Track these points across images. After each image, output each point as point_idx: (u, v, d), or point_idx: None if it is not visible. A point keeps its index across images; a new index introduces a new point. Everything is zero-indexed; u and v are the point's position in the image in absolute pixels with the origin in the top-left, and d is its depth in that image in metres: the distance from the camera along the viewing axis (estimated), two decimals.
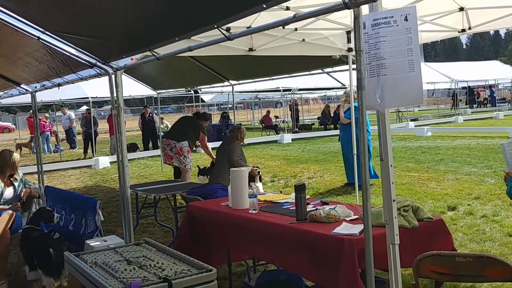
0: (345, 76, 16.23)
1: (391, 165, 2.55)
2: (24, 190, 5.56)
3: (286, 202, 4.15)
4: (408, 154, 12.46)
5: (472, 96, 34.64)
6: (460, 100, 32.34)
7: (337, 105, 28.02)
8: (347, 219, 3.38)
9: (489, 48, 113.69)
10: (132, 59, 5.33)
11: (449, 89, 35.07)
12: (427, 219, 3.21)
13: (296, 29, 5.57)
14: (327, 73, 14.55)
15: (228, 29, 3.14)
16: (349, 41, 6.50)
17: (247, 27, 4.65)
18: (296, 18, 2.66)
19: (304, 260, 3.20)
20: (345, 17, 5.58)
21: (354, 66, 7.18)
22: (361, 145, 2.41)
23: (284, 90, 22.27)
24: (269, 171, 11.28)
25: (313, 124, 27.43)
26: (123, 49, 4.38)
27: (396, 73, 2.52)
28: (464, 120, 23.57)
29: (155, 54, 4.03)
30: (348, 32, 6.39)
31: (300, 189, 3.52)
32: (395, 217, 2.53)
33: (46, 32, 4.62)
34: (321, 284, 3.18)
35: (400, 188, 8.18)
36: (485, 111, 29.82)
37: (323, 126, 24.82)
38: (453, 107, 30.68)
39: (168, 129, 20.62)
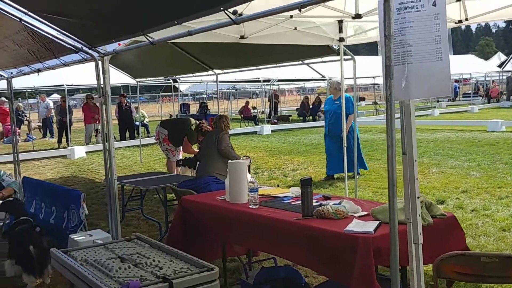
0: (324, 68, 16.11)
1: (415, 160, 2.40)
2: None
3: (286, 197, 3.99)
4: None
5: None
6: None
7: (316, 96, 27.99)
8: (356, 215, 3.23)
9: (460, 43, 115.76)
10: (119, 44, 5.06)
11: None
12: (440, 215, 3.09)
13: (291, 16, 5.37)
14: (307, 64, 14.42)
15: (235, 12, 2.93)
16: (340, 30, 6.36)
17: (239, 14, 4.44)
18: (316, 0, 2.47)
19: (314, 257, 3.04)
20: (340, 3, 5.42)
21: (346, 56, 7.03)
22: (389, 138, 2.25)
23: (263, 81, 22.02)
24: (252, 163, 11.10)
25: (290, 115, 27.29)
26: (114, 33, 4.12)
27: (423, 62, 2.36)
28: (440, 113, 23.81)
29: (149, 38, 3.78)
30: (340, 22, 6.24)
31: (306, 183, 3.34)
32: (419, 215, 2.38)
33: (29, 13, 4.31)
34: (335, 279, 3.02)
35: (386, 181, 8.10)
36: (459, 105, 30.23)
37: (301, 118, 24.72)
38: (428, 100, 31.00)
39: (145, 118, 20.29)
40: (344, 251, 2.83)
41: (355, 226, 2.95)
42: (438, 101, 28.83)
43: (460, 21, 5.59)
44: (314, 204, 3.48)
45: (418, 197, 2.39)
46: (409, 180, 2.40)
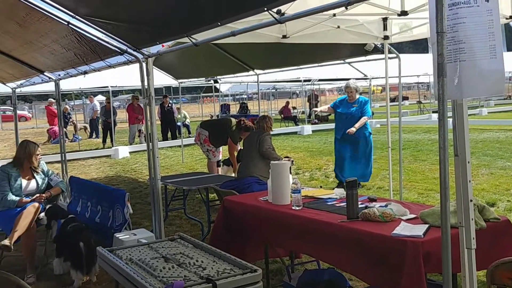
0: (366, 67, 15.82)
1: (468, 162, 2.30)
2: (43, 195, 5.29)
3: (329, 198, 3.92)
4: (436, 147, 12.11)
5: None
6: None
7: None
8: (404, 218, 3.14)
9: (507, 39, 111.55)
10: (163, 45, 5.11)
11: None
12: (494, 219, 2.96)
13: (334, 15, 5.29)
14: (349, 63, 14.20)
15: (279, 12, 2.90)
16: (385, 28, 6.22)
17: (282, 14, 4.39)
18: None
19: (359, 260, 2.96)
20: (385, 0, 5.29)
21: (390, 55, 6.86)
22: (441, 139, 2.16)
23: (304, 81, 21.91)
24: (293, 164, 11.03)
25: (329, 114, 26.90)
26: (159, 35, 4.16)
27: (476, 59, 2.26)
28: (488, 113, 23.03)
29: (192, 40, 3.80)
30: (385, 19, 6.11)
31: (351, 185, 3.27)
32: (472, 219, 2.28)
33: (76, 16, 4.42)
34: (381, 285, 2.94)
35: (433, 182, 7.90)
36: (509, 104, 29.15)
37: None
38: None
39: (186, 119, 20.52)
40: (392, 255, 2.74)
41: (403, 229, 2.85)
42: (486, 100, 27.95)
43: (511, 17, 5.36)
44: (359, 206, 3.40)
45: (471, 200, 2.29)
46: (462, 183, 2.30)
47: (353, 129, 7.63)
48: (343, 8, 5.19)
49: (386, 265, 2.78)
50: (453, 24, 2.29)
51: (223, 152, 8.90)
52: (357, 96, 8.02)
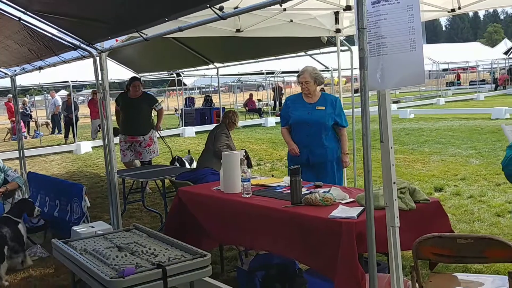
0: (328, 59, 16.13)
1: (391, 147, 2.50)
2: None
3: (278, 186, 4.10)
4: (392, 136, 12.49)
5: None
6: None
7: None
8: (343, 202, 3.34)
9: (468, 30, 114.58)
10: (117, 40, 5.18)
11: (429, 71, 35.18)
12: (424, 200, 3.19)
13: (285, 9, 5.46)
14: (311, 55, 14.44)
15: (221, 8, 3.04)
16: (337, 22, 6.43)
17: (234, 8, 4.53)
18: None
19: (300, 244, 3.16)
20: None
21: (342, 48, 7.06)
22: (363, 127, 2.35)
23: (267, 73, 22.09)
24: (254, 155, 11.23)
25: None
26: (110, 30, 4.23)
27: (397, 52, 2.46)
28: (445, 102, 23.77)
29: (143, 35, 3.90)
30: (336, 13, 6.32)
31: (295, 172, 3.45)
32: (395, 200, 2.49)
33: (28, 12, 4.44)
34: (318, 269, 3.14)
35: None
36: (466, 93, 30.13)
37: None
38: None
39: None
40: (329, 236, 2.94)
41: (340, 212, 3.05)
42: (444, 90, 28.76)
43: (453, 10, 5.64)
44: (304, 192, 3.60)
45: (394, 182, 2.49)
46: (386, 167, 2.50)
47: (347, 160, 5.05)
48: (294, 2, 5.39)
49: (324, 245, 2.98)
50: (375, 21, 2.49)
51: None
52: (318, 90, 5.05)
